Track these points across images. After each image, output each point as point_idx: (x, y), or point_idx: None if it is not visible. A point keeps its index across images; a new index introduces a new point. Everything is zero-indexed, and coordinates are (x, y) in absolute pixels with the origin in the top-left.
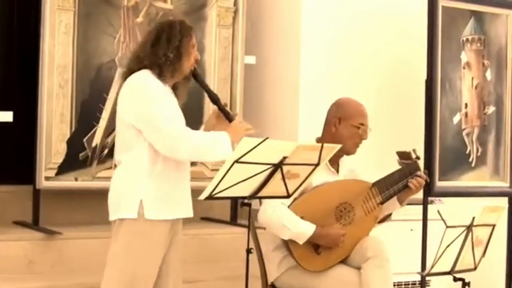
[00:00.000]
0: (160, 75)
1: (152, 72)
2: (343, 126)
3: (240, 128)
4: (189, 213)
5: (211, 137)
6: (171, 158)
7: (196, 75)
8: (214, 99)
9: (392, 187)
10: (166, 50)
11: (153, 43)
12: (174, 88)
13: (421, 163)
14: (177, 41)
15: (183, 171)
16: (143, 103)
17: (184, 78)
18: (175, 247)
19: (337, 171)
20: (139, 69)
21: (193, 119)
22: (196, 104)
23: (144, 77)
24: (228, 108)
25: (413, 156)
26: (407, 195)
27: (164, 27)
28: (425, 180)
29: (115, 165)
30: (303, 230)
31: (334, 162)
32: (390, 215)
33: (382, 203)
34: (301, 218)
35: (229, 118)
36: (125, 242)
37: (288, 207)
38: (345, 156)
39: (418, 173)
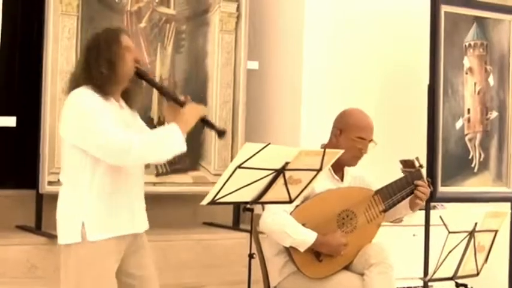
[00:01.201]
0: (101, 92)
1: (91, 88)
2: (343, 138)
3: (192, 112)
4: (137, 228)
5: (158, 135)
6: (123, 166)
7: (141, 75)
8: (160, 89)
9: (395, 195)
10: (98, 67)
11: (84, 63)
12: (126, 96)
13: (423, 168)
14: (106, 53)
15: (127, 185)
16: (78, 121)
17: (131, 82)
18: (141, 256)
19: (342, 179)
20: (77, 86)
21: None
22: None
23: (79, 95)
24: (177, 95)
25: (417, 164)
26: (415, 204)
27: (90, 44)
28: (429, 187)
29: None
30: (304, 237)
31: (339, 169)
32: (401, 217)
33: (385, 210)
34: (303, 224)
35: (179, 103)
36: (74, 269)
37: (290, 213)
38: None
39: (419, 182)
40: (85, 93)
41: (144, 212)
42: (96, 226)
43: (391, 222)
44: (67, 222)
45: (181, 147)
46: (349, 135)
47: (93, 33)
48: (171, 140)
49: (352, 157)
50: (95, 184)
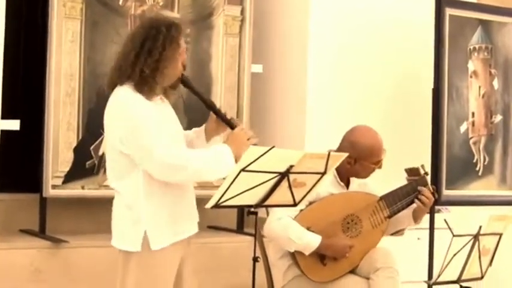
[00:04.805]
0: (144, 93)
1: (133, 87)
2: (359, 165)
3: (242, 139)
4: (195, 228)
5: (212, 156)
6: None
7: (185, 82)
8: (210, 106)
9: (400, 201)
10: (142, 64)
11: (133, 56)
12: (165, 94)
13: (428, 175)
14: (158, 53)
15: (184, 188)
16: (130, 129)
17: (171, 86)
18: (188, 262)
19: (347, 187)
20: (120, 82)
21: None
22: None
23: (127, 98)
24: (226, 115)
25: (422, 171)
26: (420, 213)
27: (149, 35)
28: (433, 195)
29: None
30: (308, 241)
31: (344, 177)
32: (403, 229)
33: (389, 216)
34: (308, 228)
35: (230, 125)
36: (136, 276)
37: (295, 217)
38: None
39: (422, 188)
40: (131, 97)
41: (196, 213)
42: (158, 234)
43: (392, 235)
44: (127, 228)
45: (229, 170)
46: (365, 163)
47: (154, 22)
48: (224, 163)
49: (367, 175)
50: (153, 192)
